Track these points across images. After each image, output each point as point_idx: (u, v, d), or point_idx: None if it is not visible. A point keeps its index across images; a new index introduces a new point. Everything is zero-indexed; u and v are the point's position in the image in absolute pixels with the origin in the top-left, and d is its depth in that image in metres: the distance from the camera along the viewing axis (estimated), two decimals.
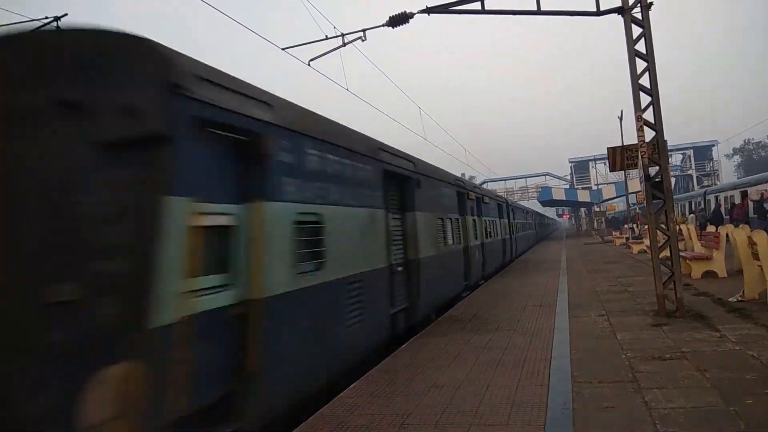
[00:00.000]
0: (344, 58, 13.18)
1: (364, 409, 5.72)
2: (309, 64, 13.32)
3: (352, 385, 6.64)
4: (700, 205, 34.19)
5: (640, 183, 10.05)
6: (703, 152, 67.42)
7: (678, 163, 69.25)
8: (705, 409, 4.82)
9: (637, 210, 47.54)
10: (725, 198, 29.31)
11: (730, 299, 9.99)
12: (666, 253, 9.69)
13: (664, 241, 9.66)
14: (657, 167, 9.64)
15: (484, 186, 64.61)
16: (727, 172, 67.68)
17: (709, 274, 13.78)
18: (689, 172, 66.37)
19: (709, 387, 5.39)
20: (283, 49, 12.77)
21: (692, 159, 66.65)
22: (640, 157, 9.56)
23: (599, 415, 4.91)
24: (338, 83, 14.16)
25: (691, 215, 31.84)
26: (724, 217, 25.70)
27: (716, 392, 5.21)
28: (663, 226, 9.68)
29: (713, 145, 68.10)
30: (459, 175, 19.03)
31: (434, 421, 5.15)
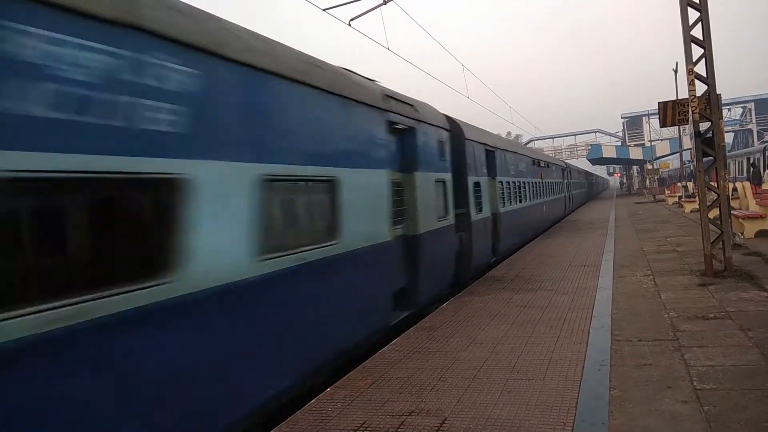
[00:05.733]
0: (385, 17, 13.06)
1: (404, 363, 5.95)
2: (350, 24, 13.25)
3: (392, 341, 6.89)
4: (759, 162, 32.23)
5: (690, 140, 9.72)
6: (765, 105, 63.57)
7: (737, 117, 65.69)
8: (744, 367, 4.83)
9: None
10: None
11: None
12: (716, 212, 9.43)
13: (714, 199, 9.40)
14: (709, 122, 9.31)
15: (530, 145, 63.21)
16: None
17: (763, 234, 13.32)
18: (749, 126, 62.89)
19: (750, 346, 5.36)
20: (324, 9, 12.73)
21: (753, 112, 63.02)
22: (690, 112, 9.25)
23: (636, 372, 4.98)
24: (379, 43, 14.07)
25: None
26: None
27: (757, 351, 5.18)
28: (713, 184, 9.40)
29: None
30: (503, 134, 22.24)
31: (472, 376, 5.33)
